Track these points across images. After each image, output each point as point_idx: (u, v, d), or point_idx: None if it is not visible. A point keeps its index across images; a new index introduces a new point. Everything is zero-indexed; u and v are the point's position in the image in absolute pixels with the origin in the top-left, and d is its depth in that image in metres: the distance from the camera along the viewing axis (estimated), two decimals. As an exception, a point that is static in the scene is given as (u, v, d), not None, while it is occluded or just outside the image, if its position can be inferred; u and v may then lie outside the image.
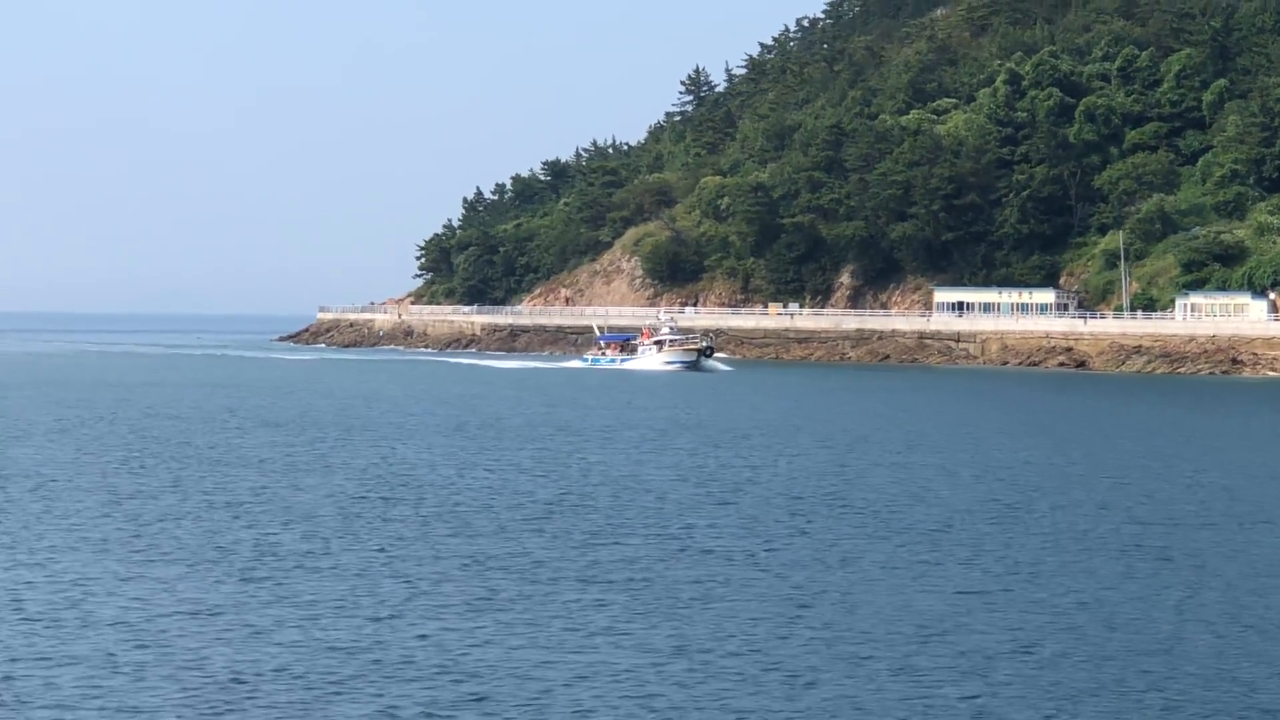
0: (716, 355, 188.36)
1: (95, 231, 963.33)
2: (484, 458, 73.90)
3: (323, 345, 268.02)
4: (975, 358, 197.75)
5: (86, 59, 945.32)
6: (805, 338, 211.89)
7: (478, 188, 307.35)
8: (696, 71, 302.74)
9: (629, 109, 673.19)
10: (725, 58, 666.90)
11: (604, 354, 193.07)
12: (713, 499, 58.95)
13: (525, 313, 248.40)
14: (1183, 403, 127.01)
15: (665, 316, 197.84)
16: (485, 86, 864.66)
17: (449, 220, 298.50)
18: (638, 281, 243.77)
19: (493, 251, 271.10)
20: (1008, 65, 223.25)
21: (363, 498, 58.42)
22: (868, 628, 36.33)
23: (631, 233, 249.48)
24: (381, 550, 46.29)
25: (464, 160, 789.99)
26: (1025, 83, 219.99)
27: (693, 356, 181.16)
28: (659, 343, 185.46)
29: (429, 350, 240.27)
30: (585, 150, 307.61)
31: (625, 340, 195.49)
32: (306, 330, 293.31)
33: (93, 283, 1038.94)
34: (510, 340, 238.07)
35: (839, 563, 45.25)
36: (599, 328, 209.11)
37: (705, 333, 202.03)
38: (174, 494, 58.73)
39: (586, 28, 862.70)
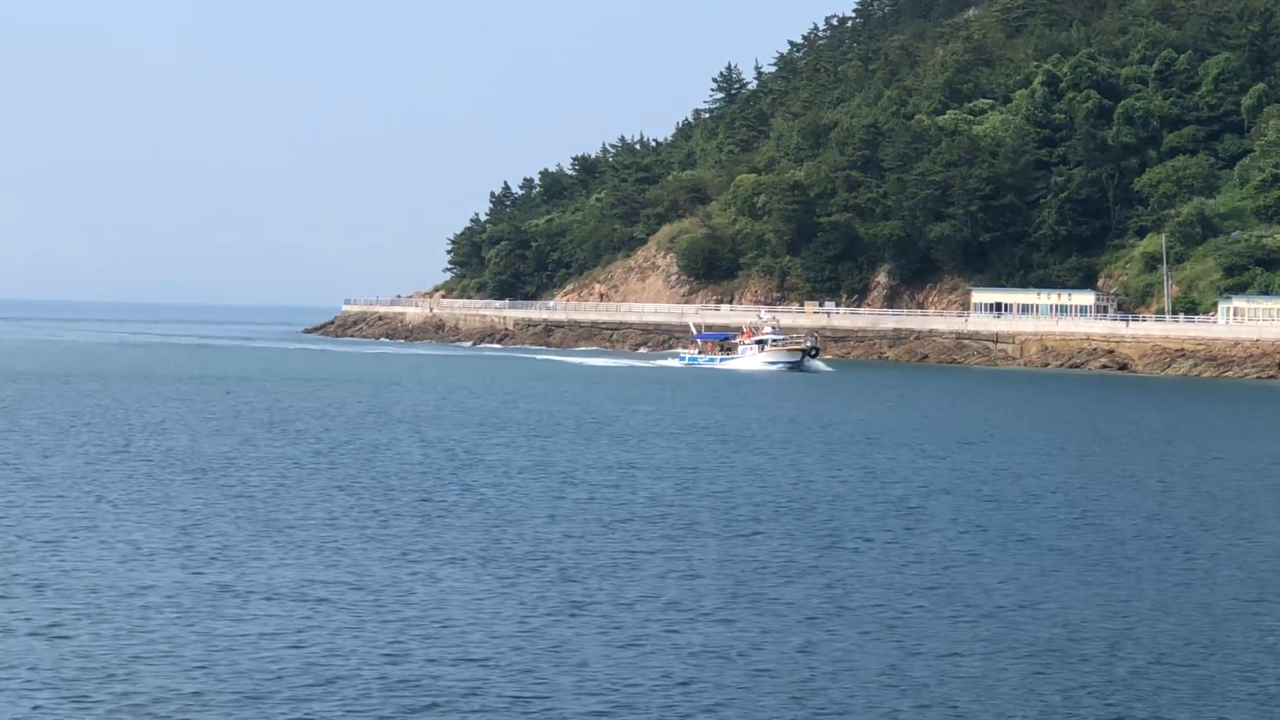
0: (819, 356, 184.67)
1: (89, 219, 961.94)
2: (836, 463, 74.35)
3: (354, 337, 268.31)
4: (1014, 359, 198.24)
5: (103, 48, 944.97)
6: (842, 336, 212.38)
7: (505, 183, 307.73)
8: (728, 69, 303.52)
9: (654, 106, 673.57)
10: (752, 55, 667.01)
11: (701, 353, 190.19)
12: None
13: (559, 308, 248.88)
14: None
15: (767, 316, 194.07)
16: (509, 82, 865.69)
17: (476, 215, 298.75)
18: (673, 278, 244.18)
19: (524, 246, 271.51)
20: (1045, 67, 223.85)
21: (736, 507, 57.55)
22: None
23: (666, 229, 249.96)
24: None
25: (486, 157, 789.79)
26: (1063, 84, 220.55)
27: (796, 357, 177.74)
28: (760, 342, 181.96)
29: (467, 344, 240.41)
30: (613, 146, 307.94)
31: (723, 339, 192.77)
32: (333, 322, 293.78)
33: (86, 271, 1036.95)
34: (545, 335, 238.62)
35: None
36: (695, 326, 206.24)
37: (809, 333, 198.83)
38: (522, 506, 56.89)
39: (608, 26, 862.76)
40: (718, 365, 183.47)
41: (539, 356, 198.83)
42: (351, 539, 48.17)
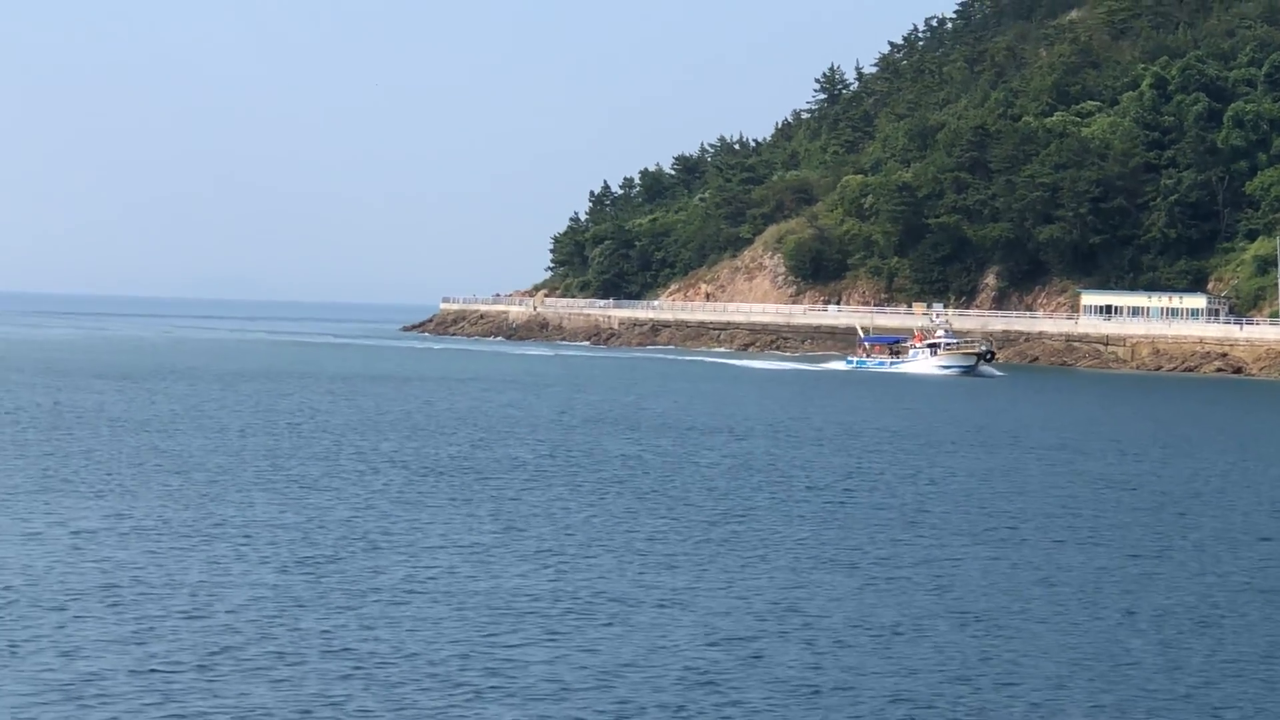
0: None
1: (167, 216, 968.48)
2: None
3: (455, 335, 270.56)
4: (1125, 362, 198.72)
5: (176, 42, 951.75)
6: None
7: (605, 182, 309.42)
8: (831, 70, 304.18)
9: (750, 106, 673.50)
10: (848, 56, 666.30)
11: (870, 356, 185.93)
12: None
13: (665, 307, 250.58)
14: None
15: (939, 319, 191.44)
16: (603, 82, 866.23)
17: (575, 214, 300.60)
18: (780, 279, 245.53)
19: (628, 246, 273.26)
20: (1153, 69, 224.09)
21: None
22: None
23: (772, 230, 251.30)
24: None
25: (579, 156, 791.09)
26: (1171, 87, 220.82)
27: (971, 361, 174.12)
28: (933, 346, 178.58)
29: (579, 343, 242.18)
30: (712, 146, 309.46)
31: (893, 343, 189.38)
32: (431, 320, 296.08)
33: (160, 268, 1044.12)
34: (652, 335, 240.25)
35: None
36: (863, 329, 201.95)
37: (984, 336, 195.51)
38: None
39: (700, 28, 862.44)
40: (887, 369, 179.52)
41: (699, 359, 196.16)
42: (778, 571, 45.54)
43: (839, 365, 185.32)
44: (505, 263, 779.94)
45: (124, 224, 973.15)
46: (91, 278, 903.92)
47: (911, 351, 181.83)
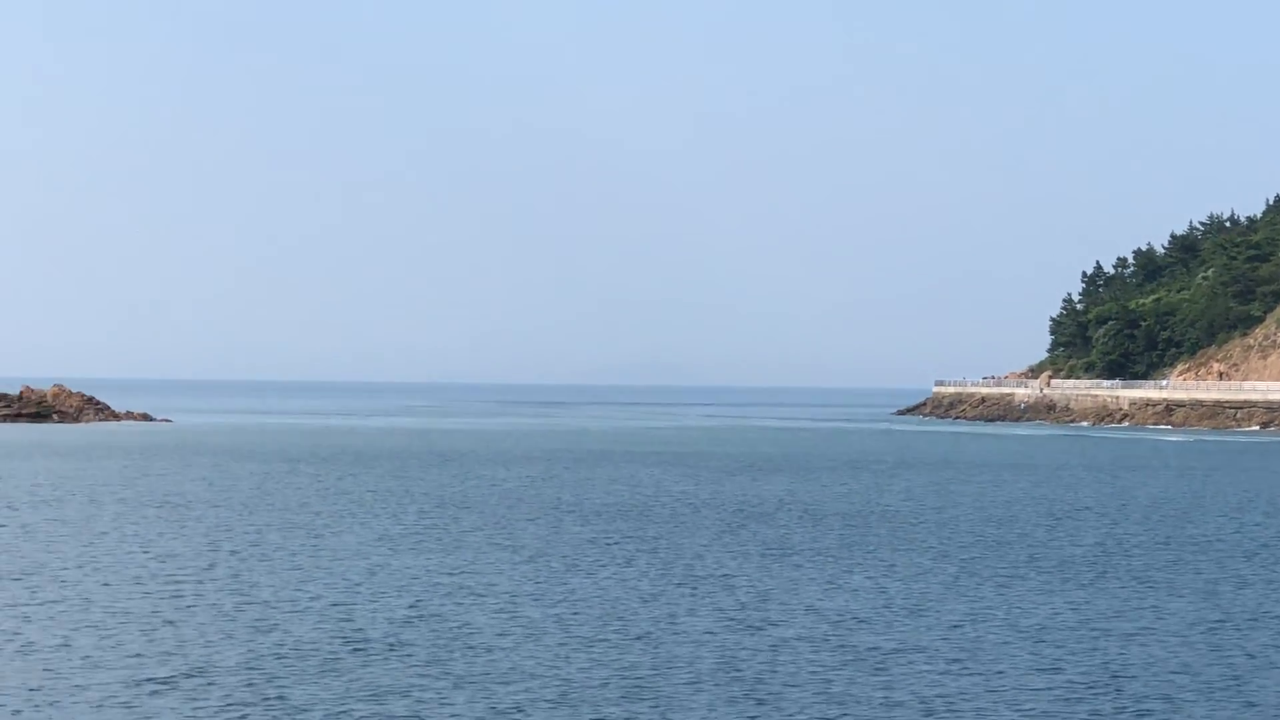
0: None
1: (586, 304, 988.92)
2: None
3: (952, 419, 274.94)
4: None
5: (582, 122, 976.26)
6: None
7: (1097, 262, 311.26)
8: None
9: (1236, 183, 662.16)
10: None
11: None
12: None
13: (1178, 387, 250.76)
14: None
15: None
16: (1079, 166, 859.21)
17: (1069, 294, 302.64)
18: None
19: (1133, 326, 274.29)
20: None
21: None
22: None
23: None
24: None
25: (1056, 239, 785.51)
26: None
27: None
28: None
29: (1083, 424, 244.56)
30: (1201, 224, 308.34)
31: None
32: (925, 404, 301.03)
33: (578, 354, 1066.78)
34: (1166, 415, 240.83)
35: None
36: None
37: None
38: None
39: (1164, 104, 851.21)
40: None
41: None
42: None
43: None
44: (987, 345, 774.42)
45: (565, 316, 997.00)
46: (526, 368, 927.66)
47: None
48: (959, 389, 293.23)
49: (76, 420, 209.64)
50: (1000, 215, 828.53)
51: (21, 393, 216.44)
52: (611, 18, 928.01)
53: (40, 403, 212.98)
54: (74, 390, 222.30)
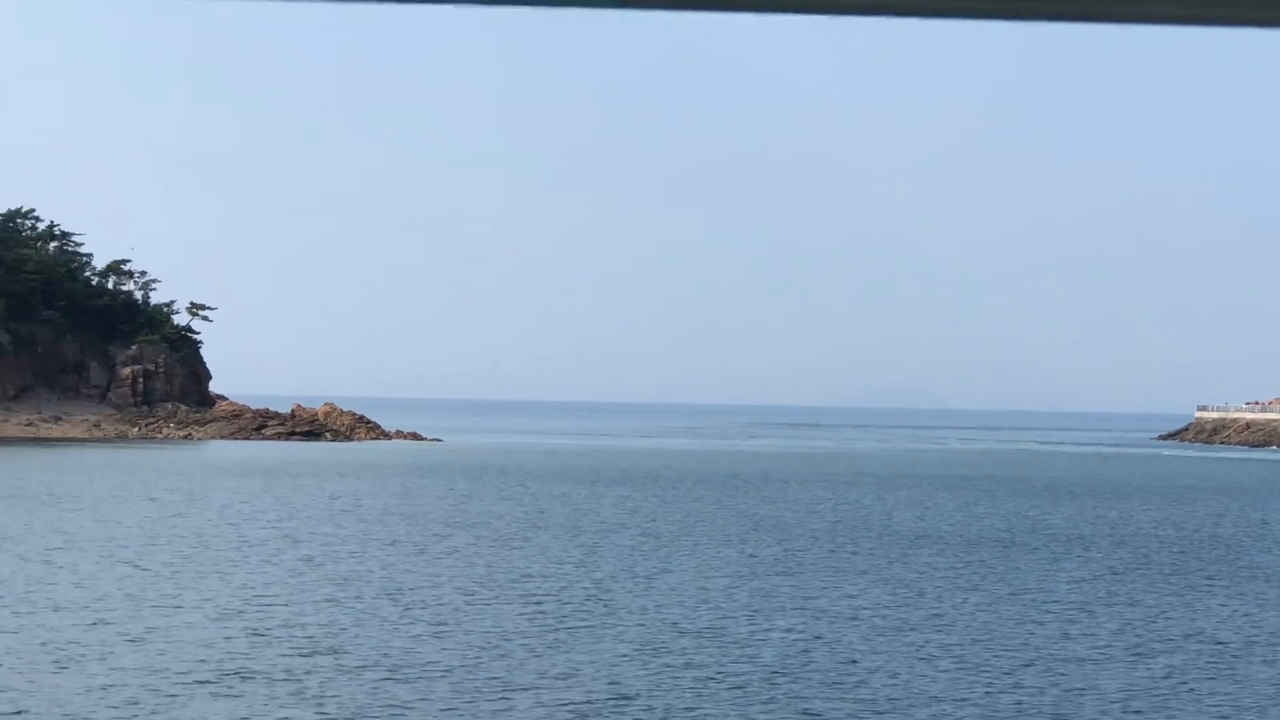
0: None
1: (824, 325, 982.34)
2: None
3: (1218, 444, 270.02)
4: None
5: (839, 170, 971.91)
6: None
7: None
8: None
9: None
10: None
11: None
12: None
13: None
14: None
15: None
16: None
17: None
18: None
19: None
20: None
21: None
22: None
23: None
24: None
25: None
26: None
27: None
28: None
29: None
30: None
31: None
32: (1188, 429, 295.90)
33: (814, 377, 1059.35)
34: None
35: None
36: None
37: None
38: None
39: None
40: None
41: None
42: None
43: None
44: (1227, 370, 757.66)
45: (779, 333, 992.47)
46: (762, 390, 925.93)
47: None
48: (1221, 414, 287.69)
49: (349, 439, 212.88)
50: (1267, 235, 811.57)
51: (293, 411, 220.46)
52: (854, 34, 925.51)
53: (313, 421, 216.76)
54: (344, 409, 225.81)
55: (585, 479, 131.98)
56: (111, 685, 38.22)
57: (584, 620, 50.31)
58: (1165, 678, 41.42)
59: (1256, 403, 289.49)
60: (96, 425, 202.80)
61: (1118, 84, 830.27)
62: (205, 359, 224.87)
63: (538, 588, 58.37)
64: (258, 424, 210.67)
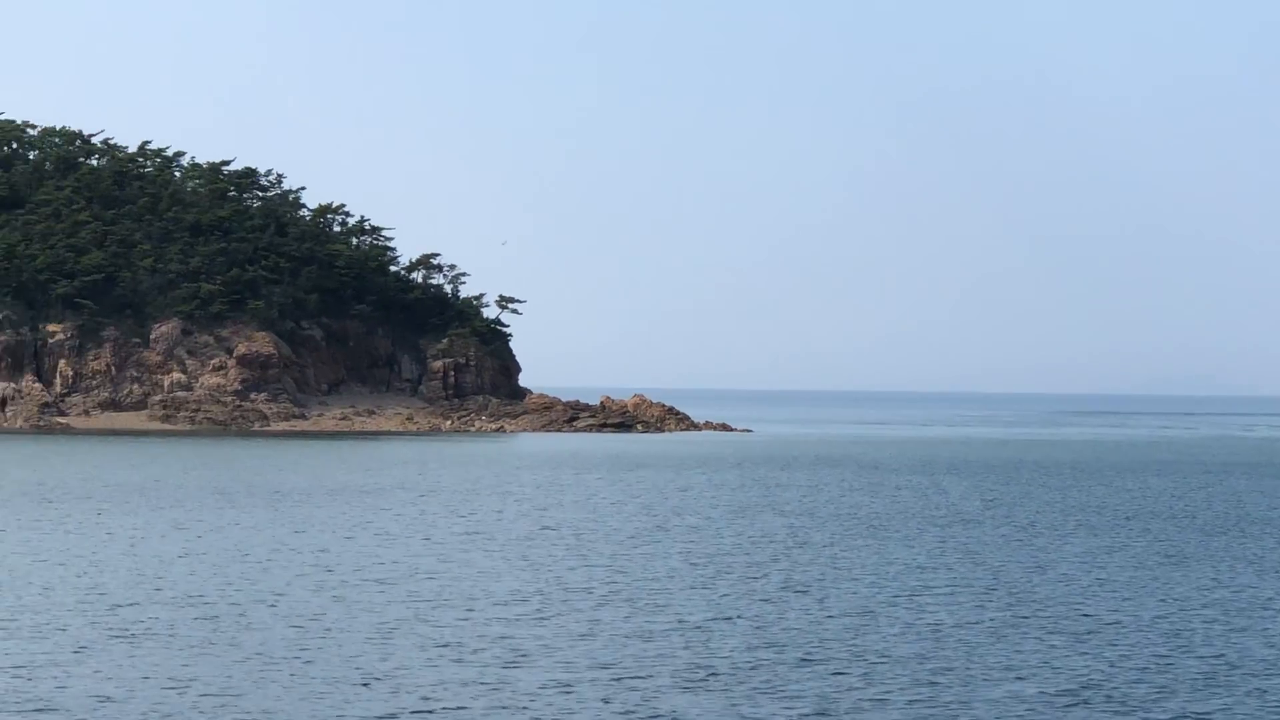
0: None
1: (1121, 313, 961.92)
2: None
3: None
4: None
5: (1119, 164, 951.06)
6: None
7: None
8: None
9: None
10: None
11: None
12: None
13: None
14: None
15: None
16: None
17: None
18: None
19: None
20: None
21: None
22: None
23: None
24: None
25: None
26: None
27: None
28: None
29: None
30: None
31: None
32: None
33: (1113, 365, 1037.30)
34: None
35: None
36: None
37: None
38: None
39: None
40: None
41: None
42: None
43: None
44: None
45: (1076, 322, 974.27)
46: (1044, 377, 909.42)
47: None
48: None
49: (659, 429, 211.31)
50: None
51: (602, 403, 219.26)
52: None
53: (623, 413, 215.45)
54: (653, 401, 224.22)
55: (919, 469, 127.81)
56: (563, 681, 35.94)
57: (1004, 610, 48.19)
58: None
59: None
60: (409, 418, 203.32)
61: None
62: (514, 352, 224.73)
63: (941, 579, 55.60)
64: (569, 416, 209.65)
